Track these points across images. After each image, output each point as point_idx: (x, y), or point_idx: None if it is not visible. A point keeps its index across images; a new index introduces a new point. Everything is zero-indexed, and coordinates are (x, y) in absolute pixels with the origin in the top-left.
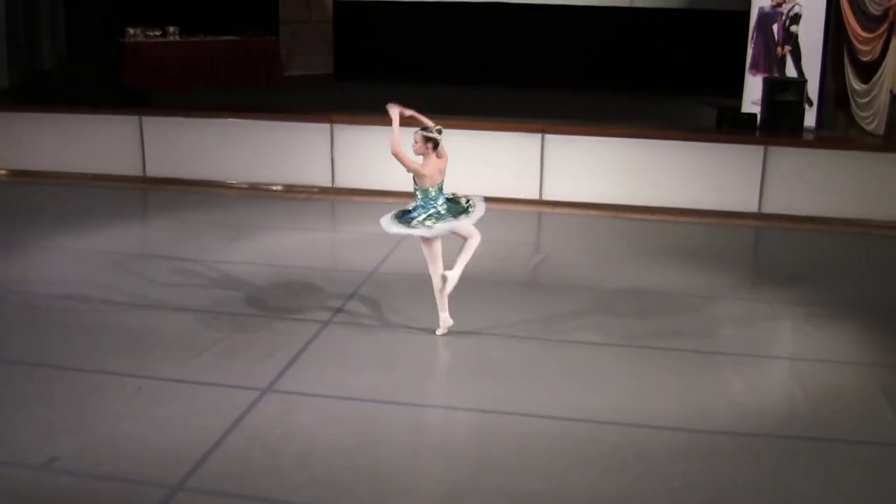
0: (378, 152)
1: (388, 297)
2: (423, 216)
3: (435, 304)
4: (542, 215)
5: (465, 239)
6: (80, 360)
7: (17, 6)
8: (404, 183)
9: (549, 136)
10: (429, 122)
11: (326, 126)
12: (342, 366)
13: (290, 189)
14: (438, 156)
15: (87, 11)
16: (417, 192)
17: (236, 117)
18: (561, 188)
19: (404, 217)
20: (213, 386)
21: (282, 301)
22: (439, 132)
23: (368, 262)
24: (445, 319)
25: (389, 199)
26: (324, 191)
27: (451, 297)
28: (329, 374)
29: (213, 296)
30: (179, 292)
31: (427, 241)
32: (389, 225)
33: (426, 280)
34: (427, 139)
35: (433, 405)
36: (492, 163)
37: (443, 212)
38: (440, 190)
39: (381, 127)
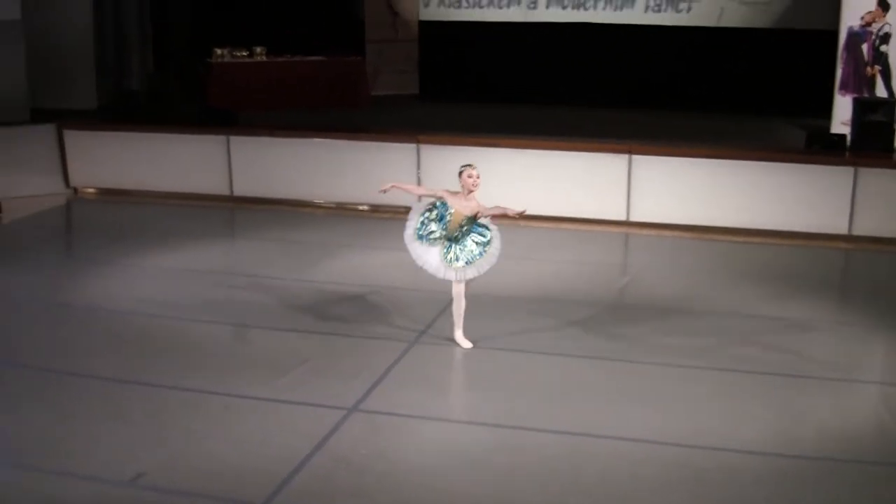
0: None
1: (473, 318)
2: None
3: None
4: (628, 236)
5: None
6: (166, 377)
7: (107, 26)
8: (489, 203)
9: (636, 157)
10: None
11: (413, 146)
12: (427, 386)
13: (376, 209)
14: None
15: (175, 32)
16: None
17: (323, 137)
18: (648, 209)
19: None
20: (298, 405)
21: (367, 321)
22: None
23: None
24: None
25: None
26: (410, 210)
27: (539, 316)
28: (414, 395)
29: (298, 315)
30: (265, 311)
31: None
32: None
33: (512, 301)
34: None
35: (519, 426)
36: (578, 183)
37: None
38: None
39: (467, 147)
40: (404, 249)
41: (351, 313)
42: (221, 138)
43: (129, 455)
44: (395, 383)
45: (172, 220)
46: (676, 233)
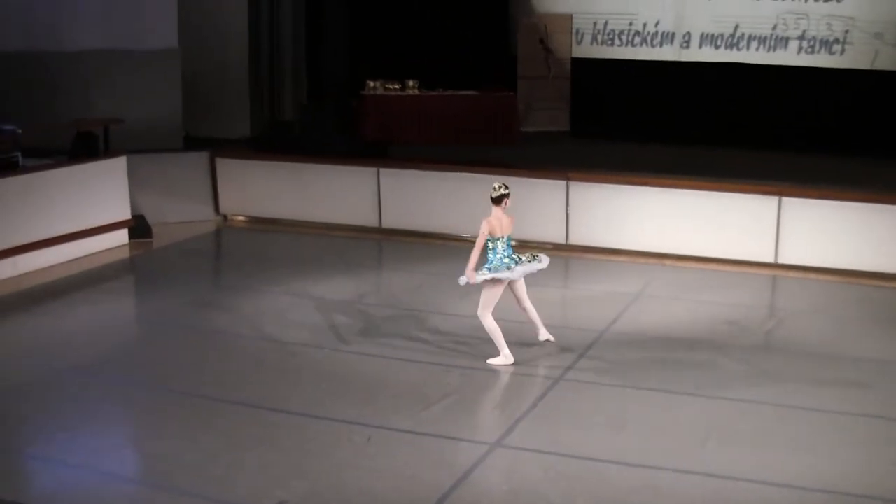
0: (614, 211)
1: (619, 357)
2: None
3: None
4: (776, 279)
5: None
6: (310, 405)
7: (262, 57)
8: (638, 242)
9: (786, 199)
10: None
11: (562, 183)
12: (572, 424)
13: (524, 244)
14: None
15: (330, 63)
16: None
17: (472, 171)
18: (797, 252)
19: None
20: (441, 438)
21: (516, 354)
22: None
23: (601, 320)
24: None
25: (623, 258)
26: (557, 247)
27: (683, 356)
28: (558, 432)
29: (443, 348)
30: (410, 343)
31: (492, 284)
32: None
33: (658, 341)
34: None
35: (663, 467)
36: (727, 224)
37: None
38: (508, 244)
39: (617, 185)
40: (550, 285)
41: (496, 348)
42: (372, 170)
43: (273, 482)
44: (539, 420)
45: (320, 250)
46: (825, 276)
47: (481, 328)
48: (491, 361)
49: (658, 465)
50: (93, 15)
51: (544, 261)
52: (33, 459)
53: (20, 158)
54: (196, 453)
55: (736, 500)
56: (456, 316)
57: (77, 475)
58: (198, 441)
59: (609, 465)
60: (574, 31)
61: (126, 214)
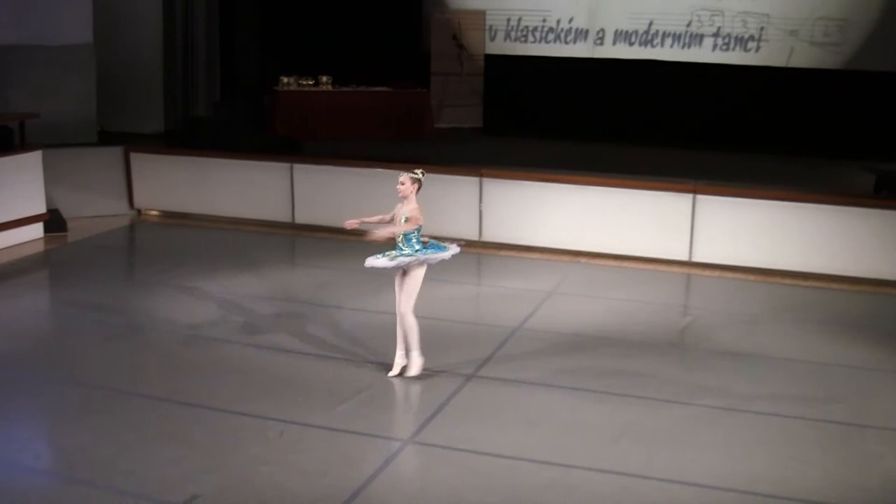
0: (528, 208)
1: (532, 354)
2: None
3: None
4: (690, 277)
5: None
6: (224, 401)
7: (175, 52)
8: (552, 239)
9: (700, 197)
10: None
11: (475, 179)
12: (484, 421)
13: (439, 240)
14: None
15: (243, 60)
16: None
17: (385, 167)
18: (711, 250)
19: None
20: (354, 434)
21: (425, 353)
22: (423, 174)
23: (513, 317)
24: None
25: (535, 255)
26: (470, 244)
27: (596, 355)
28: (471, 429)
29: (356, 345)
30: (323, 339)
31: (403, 275)
32: (374, 261)
33: (571, 339)
34: (414, 180)
35: (575, 465)
36: (641, 222)
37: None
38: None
39: (530, 182)
40: (463, 283)
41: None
42: (285, 166)
43: (185, 476)
44: (452, 417)
45: (233, 245)
46: (740, 275)
47: (392, 325)
48: (412, 373)
49: (570, 462)
50: (7, 10)
51: (451, 249)
52: None
53: None
54: (107, 447)
55: (647, 498)
56: (368, 311)
57: None
58: (109, 435)
59: (521, 463)
60: (487, 27)
61: (41, 208)
